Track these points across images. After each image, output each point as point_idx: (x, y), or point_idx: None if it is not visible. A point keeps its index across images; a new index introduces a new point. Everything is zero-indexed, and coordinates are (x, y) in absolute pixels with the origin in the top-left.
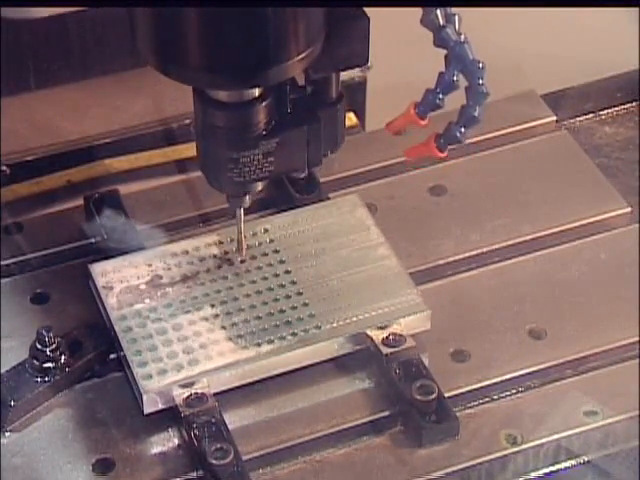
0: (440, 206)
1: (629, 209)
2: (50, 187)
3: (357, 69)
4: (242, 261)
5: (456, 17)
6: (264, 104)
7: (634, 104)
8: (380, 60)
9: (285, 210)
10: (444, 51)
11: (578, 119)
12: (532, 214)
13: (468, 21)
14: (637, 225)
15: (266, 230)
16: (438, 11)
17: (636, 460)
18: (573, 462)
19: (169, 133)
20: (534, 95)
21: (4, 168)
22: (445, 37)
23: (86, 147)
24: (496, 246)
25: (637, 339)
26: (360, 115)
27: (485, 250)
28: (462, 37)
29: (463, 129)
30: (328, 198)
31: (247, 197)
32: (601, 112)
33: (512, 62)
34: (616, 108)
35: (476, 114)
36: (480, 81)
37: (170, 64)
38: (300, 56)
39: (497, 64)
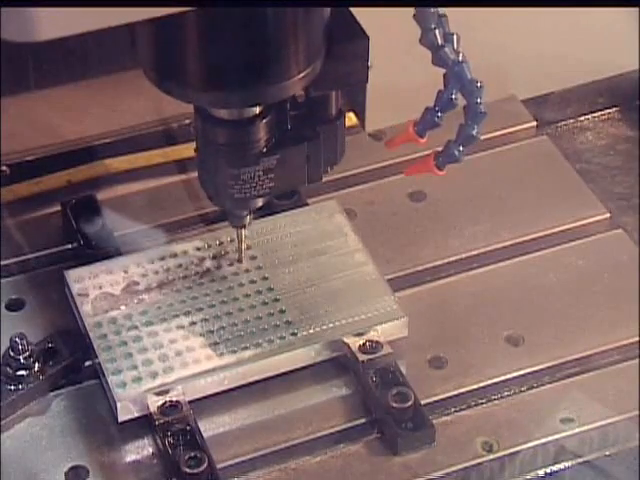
0: (419, 212)
1: (608, 215)
2: (50, 187)
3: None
4: (218, 267)
5: (454, 36)
6: (264, 121)
7: (615, 109)
8: (380, 60)
9: (263, 216)
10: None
11: (559, 124)
12: (511, 220)
13: (457, 23)
14: (616, 231)
15: (245, 236)
16: (437, 31)
17: (636, 460)
18: (573, 462)
19: (169, 133)
20: (515, 100)
21: (4, 168)
22: (443, 56)
23: (86, 147)
24: (475, 252)
25: (621, 343)
26: (360, 115)
27: (464, 256)
28: (460, 56)
29: (461, 148)
30: (307, 204)
31: (247, 216)
32: (582, 117)
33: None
34: (597, 113)
35: (474, 133)
36: (478, 100)
37: (170, 82)
38: (301, 74)
39: (496, 65)
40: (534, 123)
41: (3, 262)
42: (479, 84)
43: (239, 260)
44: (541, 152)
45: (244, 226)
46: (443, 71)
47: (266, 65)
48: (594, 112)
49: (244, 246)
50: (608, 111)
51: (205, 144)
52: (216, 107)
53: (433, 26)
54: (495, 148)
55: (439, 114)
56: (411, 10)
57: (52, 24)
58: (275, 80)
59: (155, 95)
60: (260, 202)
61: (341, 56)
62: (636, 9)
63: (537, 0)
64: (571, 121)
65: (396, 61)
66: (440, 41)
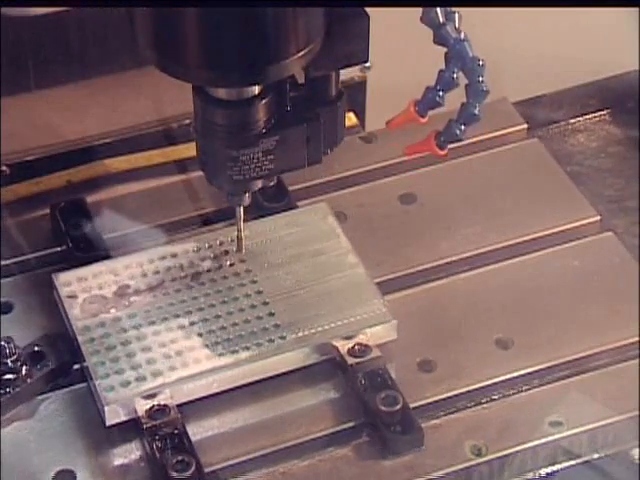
0: (410, 214)
1: (598, 217)
2: (50, 187)
3: (357, 69)
4: (208, 270)
5: (456, 15)
6: (264, 102)
7: (606, 112)
8: (380, 60)
9: (254, 219)
10: (443, 51)
11: (550, 127)
12: (502, 222)
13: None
14: (606, 234)
15: (233, 239)
16: (438, 9)
17: (636, 460)
18: (573, 462)
19: (169, 133)
20: (506, 103)
21: (4, 168)
22: (445, 35)
23: (86, 147)
24: (465, 255)
25: (612, 345)
26: (360, 115)
27: (455, 259)
28: (462, 35)
29: (463, 127)
30: (297, 206)
31: (246, 195)
32: (573, 120)
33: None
34: (589, 116)
35: (476, 112)
36: (480, 79)
37: (169, 61)
38: (300, 53)
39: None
40: (525, 125)
41: None
42: (480, 62)
43: (238, 247)
44: (532, 155)
45: (243, 205)
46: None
47: (265, 43)
48: (585, 114)
49: (242, 226)
50: (600, 113)
51: (204, 125)
52: (214, 86)
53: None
54: (486, 150)
55: (440, 93)
56: (410, 10)
57: None
58: (274, 59)
59: (155, 95)
60: (260, 184)
61: (341, 35)
62: (623, 10)
63: (537, 0)
64: (562, 123)
65: (396, 61)
66: (442, 19)
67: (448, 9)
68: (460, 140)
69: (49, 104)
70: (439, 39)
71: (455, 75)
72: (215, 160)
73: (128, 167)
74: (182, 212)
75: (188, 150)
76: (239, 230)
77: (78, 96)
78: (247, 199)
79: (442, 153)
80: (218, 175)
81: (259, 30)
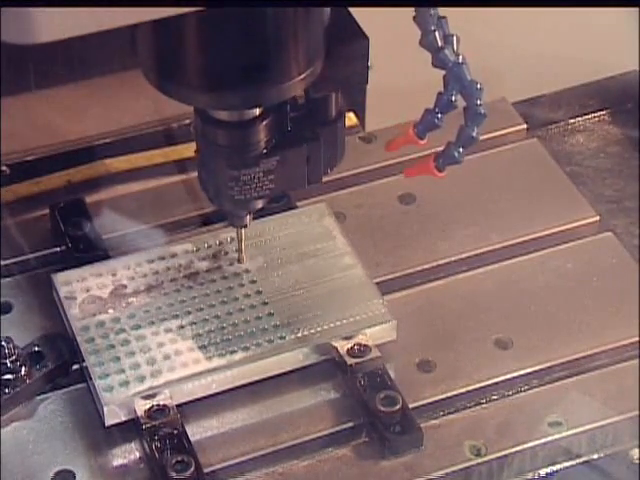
0: (409, 215)
1: (597, 217)
2: (50, 187)
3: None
4: (207, 270)
5: (454, 38)
6: (264, 123)
7: (606, 112)
8: (380, 60)
9: (253, 219)
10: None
11: (549, 127)
12: (501, 223)
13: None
14: (606, 234)
15: (232, 239)
16: (436, 33)
17: (636, 460)
18: (573, 462)
19: (169, 133)
20: (505, 103)
21: (4, 168)
22: (443, 58)
23: (86, 147)
24: (464, 255)
25: (611, 346)
26: (360, 115)
27: (454, 259)
28: (460, 58)
29: (461, 149)
30: (296, 207)
31: (247, 217)
32: (573, 120)
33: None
34: (588, 116)
35: (474, 134)
36: (478, 102)
37: (169, 84)
38: (301, 76)
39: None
40: (524, 126)
41: None
42: (479, 86)
43: (239, 260)
44: (531, 155)
45: (245, 226)
46: (443, 72)
47: (266, 67)
48: (585, 114)
49: (244, 246)
50: (599, 113)
51: (205, 145)
52: (215, 109)
53: (433, 28)
54: (485, 150)
55: (439, 115)
56: (410, 10)
57: (52, 26)
58: (275, 82)
59: (155, 95)
60: (260, 203)
61: (341, 57)
62: (623, 10)
63: (537, 0)
64: (562, 123)
65: (396, 61)
66: (440, 43)
67: (446, 32)
68: (459, 163)
69: (49, 104)
70: (438, 62)
71: (454, 98)
72: (216, 180)
73: (128, 167)
74: (182, 212)
75: (188, 150)
76: (240, 250)
77: (78, 96)
78: (248, 220)
79: (441, 175)
80: (219, 194)
81: (260, 53)
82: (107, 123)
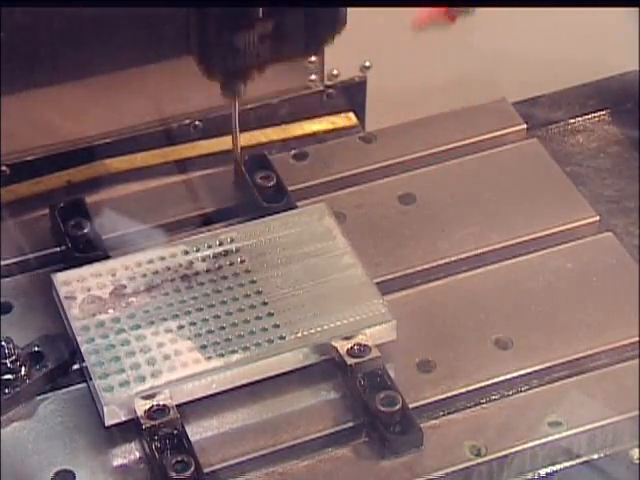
0: (409, 215)
1: (597, 217)
2: (50, 187)
3: (357, 69)
4: (207, 270)
5: None
6: None
7: (605, 112)
8: (380, 60)
9: (253, 219)
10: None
11: (549, 127)
12: (501, 223)
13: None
14: (605, 234)
15: (232, 239)
16: None
17: (636, 460)
18: (573, 462)
19: (169, 133)
20: (505, 103)
21: (4, 168)
22: None
23: (86, 147)
24: (464, 255)
25: (611, 346)
26: (360, 115)
27: (453, 259)
28: None
29: None
30: (296, 207)
31: (242, 85)
32: (572, 120)
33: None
34: (588, 116)
35: None
36: None
37: None
38: None
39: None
40: (524, 126)
41: None
42: None
43: (234, 147)
44: (531, 155)
45: (238, 95)
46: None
47: None
48: (585, 114)
49: (237, 119)
50: (599, 113)
51: (200, 14)
52: None
53: None
54: (485, 151)
55: None
56: (410, 10)
57: None
58: None
59: (155, 95)
60: (255, 74)
61: None
62: (623, 10)
63: (537, 0)
64: (561, 123)
65: (396, 61)
66: None
67: None
68: (470, 9)
69: (49, 104)
70: None
71: None
72: (210, 47)
73: (128, 167)
74: (182, 212)
75: (188, 150)
76: (235, 127)
77: (78, 96)
78: (242, 89)
79: (452, 20)
80: (214, 64)
81: None
82: (107, 123)
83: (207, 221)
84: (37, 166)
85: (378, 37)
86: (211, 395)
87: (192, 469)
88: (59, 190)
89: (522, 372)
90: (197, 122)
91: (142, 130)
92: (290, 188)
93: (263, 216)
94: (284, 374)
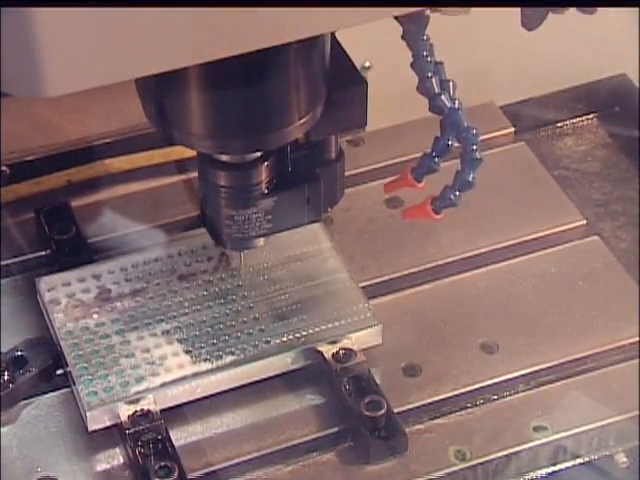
0: (396, 219)
1: (584, 221)
2: (50, 187)
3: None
4: (192, 274)
5: (451, 84)
6: (265, 165)
7: (593, 115)
8: (380, 60)
9: None
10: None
11: (537, 130)
12: (488, 227)
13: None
14: (592, 238)
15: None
16: (433, 79)
17: (636, 460)
18: (573, 462)
19: None
20: (493, 106)
21: (4, 168)
22: (440, 104)
23: (86, 147)
24: (451, 259)
25: (597, 350)
26: None
27: (440, 263)
28: (456, 103)
29: (458, 193)
30: None
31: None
32: (560, 123)
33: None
34: (575, 120)
35: (470, 179)
36: (474, 147)
37: (174, 130)
38: (301, 120)
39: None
40: (512, 129)
41: None
42: (474, 131)
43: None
44: (519, 158)
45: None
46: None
47: (267, 113)
48: (572, 118)
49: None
50: (587, 117)
51: (206, 185)
52: (218, 153)
53: (430, 75)
54: None
55: (436, 159)
56: (410, 10)
57: (64, 78)
58: (276, 127)
59: None
60: (261, 241)
61: (340, 102)
62: (623, 10)
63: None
64: (549, 127)
65: (396, 61)
66: (437, 89)
67: (443, 77)
68: (455, 206)
69: (49, 104)
70: (435, 109)
71: (450, 142)
72: (216, 218)
73: (128, 167)
74: (182, 212)
75: (188, 150)
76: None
77: (78, 96)
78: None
79: (437, 217)
80: (218, 232)
81: (261, 100)
82: (107, 123)
83: (191, 225)
84: (37, 166)
85: (378, 37)
86: (196, 400)
87: (176, 475)
88: (59, 190)
89: (508, 376)
90: None
91: (142, 130)
92: None
93: None
94: (269, 379)
